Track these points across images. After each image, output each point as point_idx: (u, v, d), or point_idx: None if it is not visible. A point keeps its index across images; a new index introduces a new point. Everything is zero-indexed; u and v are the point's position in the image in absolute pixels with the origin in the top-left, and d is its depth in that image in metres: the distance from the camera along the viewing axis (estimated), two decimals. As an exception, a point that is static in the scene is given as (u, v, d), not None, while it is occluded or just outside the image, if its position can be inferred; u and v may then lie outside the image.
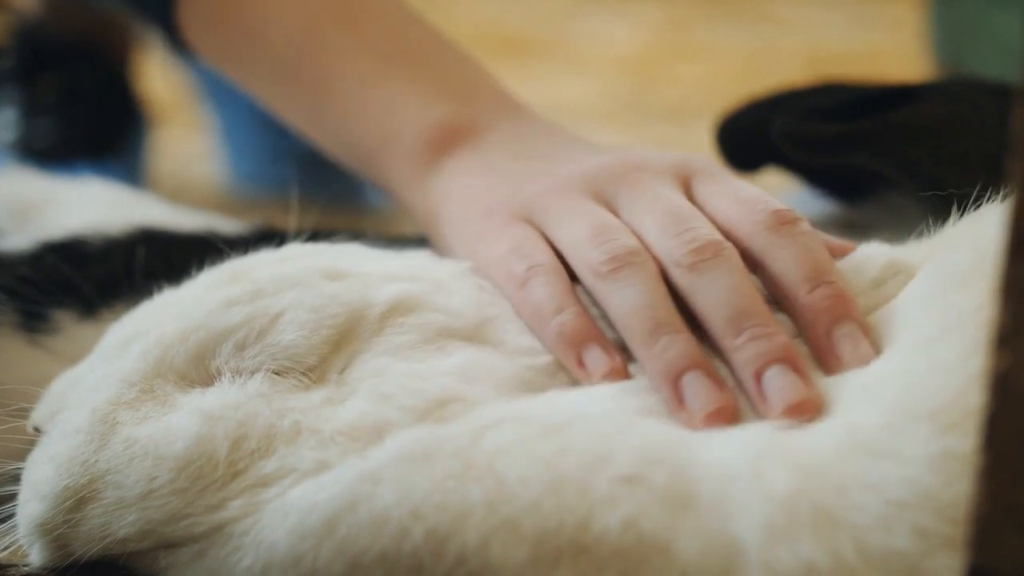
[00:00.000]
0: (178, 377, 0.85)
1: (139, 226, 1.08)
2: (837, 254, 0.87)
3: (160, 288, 0.92)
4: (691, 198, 0.90)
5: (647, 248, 0.86)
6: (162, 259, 1.04)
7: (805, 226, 0.86)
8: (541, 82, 2.51)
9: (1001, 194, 0.83)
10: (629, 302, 0.83)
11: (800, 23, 2.87)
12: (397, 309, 0.85)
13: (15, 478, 0.84)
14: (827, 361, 0.81)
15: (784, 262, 0.84)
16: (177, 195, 1.15)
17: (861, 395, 0.77)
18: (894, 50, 2.56)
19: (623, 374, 0.83)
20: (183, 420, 0.81)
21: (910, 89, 1.03)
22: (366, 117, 1.07)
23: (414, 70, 1.06)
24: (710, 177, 0.91)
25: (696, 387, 0.79)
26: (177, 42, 1.17)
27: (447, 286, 0.88)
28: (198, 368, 0.85)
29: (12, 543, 0.83)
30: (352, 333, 0.84)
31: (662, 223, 0.87)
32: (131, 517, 0.80)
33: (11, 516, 0.83)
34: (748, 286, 0.83)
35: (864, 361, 0.80)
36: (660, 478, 0.74)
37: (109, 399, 0.84)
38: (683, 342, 0.81)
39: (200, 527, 0.79)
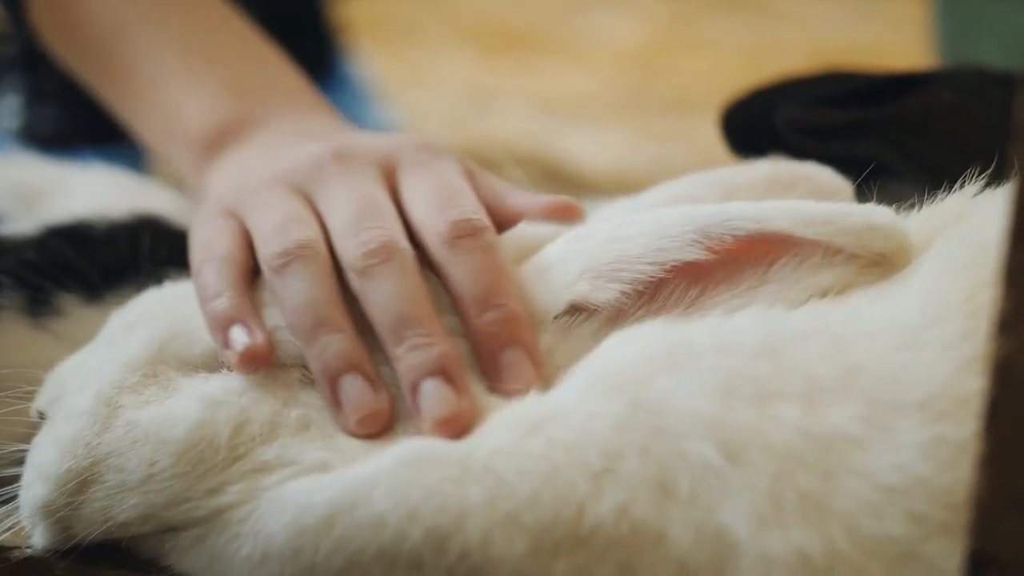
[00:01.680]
0: (181, 362, 0.85)
1: (143, 212, 1.08)
2: (546, 213, 0.88)
3: (164, 273, 0.92)
4: (395, 190, 0.89)
5: (332, 244, 0.86)
6: (166, 244, 1.04)
7: (487, 238, 0.85)
8: (545, 76, 2.51)
9: (1003, 182, 0.83)
10: (294, 298, 0.83)
11: (802, 17, 2.87)
12: None
13: (19, 460, 0.84)
14: (494, 385, 0.81)
15: (458, 280, 0.84)
16: (180, 182, 1.15)
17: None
18: (895, 44, 2.55)
19: (266, 354, 0.82)
20: (185, 404, 0.81)
21: (915, 78, 1.03)
22: (156, 115, 1.11)
23: (206, 68, 1.10)
24: (413, 168, 0.90)
25: (351, 391, 0.80)
26: (38, 39, 1.23)
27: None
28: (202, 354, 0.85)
29: (15, 525, 0.83)
30: None
31: (345, 221, 0.86)
32: (132, 501, 0.80)
33: (14, 498, 0.83)
34: (415, 291, 0.83)
35: (527, 387, 0.80)
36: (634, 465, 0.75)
37: (112, 382, 0.84)
38: (342, 342, 0.81)
39: (200, 511, 0.79)
